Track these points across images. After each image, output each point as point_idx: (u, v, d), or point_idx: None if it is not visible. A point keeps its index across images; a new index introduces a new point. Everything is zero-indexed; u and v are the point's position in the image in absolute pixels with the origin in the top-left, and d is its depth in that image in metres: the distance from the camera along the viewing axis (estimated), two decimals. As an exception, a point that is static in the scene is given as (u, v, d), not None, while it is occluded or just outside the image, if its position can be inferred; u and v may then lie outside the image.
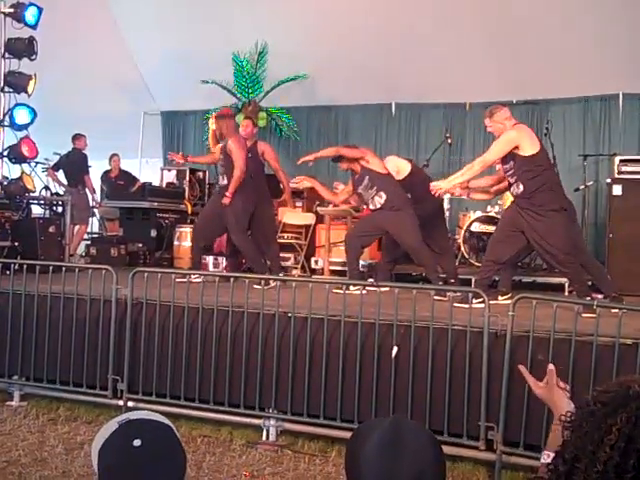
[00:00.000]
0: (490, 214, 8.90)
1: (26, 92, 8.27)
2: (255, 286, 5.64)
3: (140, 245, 9.92)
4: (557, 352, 4.47)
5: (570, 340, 4.44)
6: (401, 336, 4.89)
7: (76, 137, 10.85)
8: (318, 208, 9.52)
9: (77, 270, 6.13)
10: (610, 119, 10.43)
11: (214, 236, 8.04)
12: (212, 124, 7.85)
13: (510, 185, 6.12)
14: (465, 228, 8.99)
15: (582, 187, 9.05)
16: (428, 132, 11.48)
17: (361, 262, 7.56)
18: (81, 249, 10.69)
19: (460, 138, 11.21)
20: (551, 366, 1.84)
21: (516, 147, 5.83)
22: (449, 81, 10.57)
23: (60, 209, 9.29)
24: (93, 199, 11.18)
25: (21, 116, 8.24)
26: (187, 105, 12.96)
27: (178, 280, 5.84)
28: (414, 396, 4.78)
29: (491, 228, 8.35)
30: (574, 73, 9.90)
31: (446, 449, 1.60)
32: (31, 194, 8.64)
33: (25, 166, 8.63)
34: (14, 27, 8.19)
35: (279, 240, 8.72)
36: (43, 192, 9.92)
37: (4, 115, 8.26)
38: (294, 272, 9.10)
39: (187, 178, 11.22)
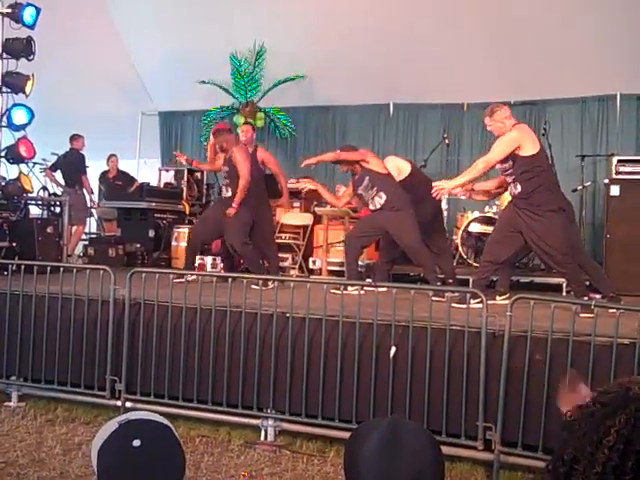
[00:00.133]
0: (488, 214, 8.91)
1: (24, 92, 8.25)
2: (253, 286, 5.64)
3: (138, 245, 9.92)
4: (555, 352, 4.48)
5: (568, 340, 4.45)
6: (399, 336, 4.89)
7: (74, 137, 10.84)
8: (316, 208, 9.52)
9: (75, 270, 6.13)
10: (608, 119, 10.44)
11: (212, 239, 8.08)
12: (211, 139, 7.87)
13: (508, 185, 6.12)
14: (463, 228, 9.00)
15: (580, 187, 9.06)
16: (426, 132, 11.49)
17: (359, 262, 7.56)
18: (79, 249, 10.69)
19: (458, 138, 11.22)
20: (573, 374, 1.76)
21: (517, 147, 5.83)
22: (447, 81, 10.58)
23: (58, 209, 9.28)
24: (90, 199, 11.18)
25: (19, 116, 8.23)
26: (185, 105, 12.96)
27: (175, 280, 5.84)
28: (412, 396, 4.79)
29: (489, 228, 8.36)
30: (572, 73, 9.91)
31: (444, 449, 1.60)
32: (29, 194, 8.64)
33: (23, 166, 8.63)
34: (12, 27, 8.17)
35: (277, 240, 8.73)
36: (41, 192, 9.92)
37: (2, 115, 8.24)
38: (292, 272, 9.10)
39: (185, 178, 11.22)
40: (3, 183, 8.42)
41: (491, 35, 10.00)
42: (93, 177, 11.57)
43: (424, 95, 11.16)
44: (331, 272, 9.08)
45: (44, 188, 10.27)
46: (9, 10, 8.13)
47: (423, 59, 10.47)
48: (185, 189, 11.11)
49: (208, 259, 9.06)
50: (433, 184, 6.36)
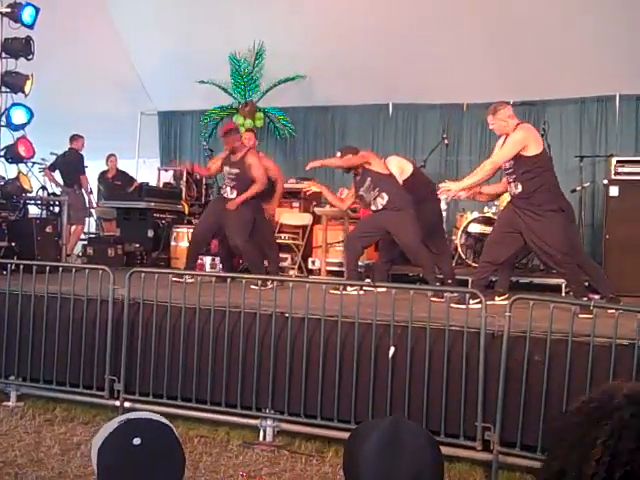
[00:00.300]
0: (487, 215, 8.91)
1: (23, 92, 8.26)
2: (252, 286, 5.64)
3: (137, 245, 9.91)
4: (554, 353, 4.48)
5: (567, 341, 4.45)
6: (398, 336, 4.89)
7: (74, 138, 10.85)
8: (315, 209, 9.52)
9: (74, 270, 6.13)
10: (607, 120, 10.44)
11: (212, 238, 8.09)
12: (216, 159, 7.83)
13: (508, 184, 6.11)
14: (462, 229, 9.00)
15: (579, 188, 9.06)
16: (425, 133, 11.48)
17: (359, 263, 7.56)
18: (78, 249, 10.68)
19: (457, 139, 11.23)
20: None
21: (523, 147, 5.83)
22: (447, 82, 10.58)
23: (57, 209, 9.28)
24: (89, 200, 11.17)
25: (18, 116, 8.23)
26: (184, 105, 12.95)
27: (174, 280, 5.84)
28: (411, 396, 4.78)
29: (488, 229, 8.36)
30: (571, 74, 9.91)
31: (443, 449, 1.60)
32: (28, 194, 8.64)
33: (22, 166, 8.63)
34: (11, 27, 8.17)
35: (276, 241, 8.72)
36: (40, 192, 9.91)
37: (1, 115, 8.24)
38: (291, 272, 9.10)
39: (184, 178, 11.21)
40: (2, 183, 8.42)
41: (491, 35, 10.00)
42: (92, 177, 11.57)
43: (424, 95, 11.15)
44: (330, 272, 9.08)
45: (43, 188, 10.26)
46: (8, 10, 8.13)
47: (423, 59, 10.46)
48: (184, 189, 11.09)
49: (207, 259, 9.07)
50: (439, 185, 6.34)
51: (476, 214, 9.01)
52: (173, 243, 9.89)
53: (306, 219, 9.59)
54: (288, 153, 12.23)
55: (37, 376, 5.89)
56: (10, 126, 8.24)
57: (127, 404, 5.50)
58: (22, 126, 8.29)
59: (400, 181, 7.24)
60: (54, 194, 10.36)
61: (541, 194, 5.86)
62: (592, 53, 9.59)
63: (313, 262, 9.43)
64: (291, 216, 9.63)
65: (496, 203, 8.82)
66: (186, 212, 10.78)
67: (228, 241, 7.57)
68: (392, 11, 10.24)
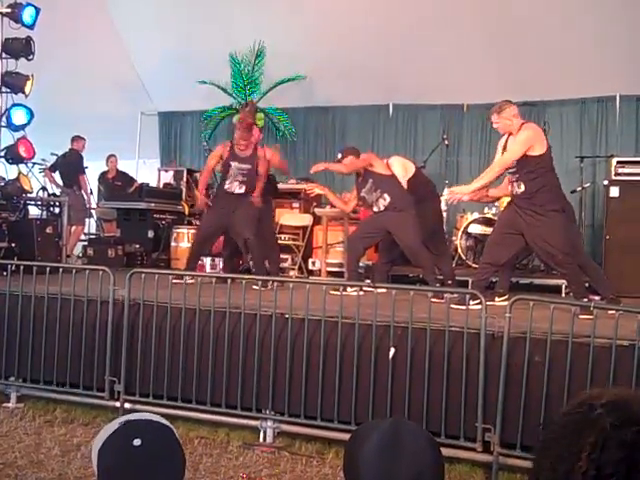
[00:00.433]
0: (487, 216, 8.91)
1: (23, 92, 8.25)
2: (254, 287, 5.66)
3: (137, 246, 9.92)
4: (554, 354, 4.47)
5: (567, 342, 4.44)
6: (398, 337, 4.89)
7: (75, 139, 10.86)
8: (315, 209, 9.53)
9: (74, 271, 6.13)
10: (607, 121, 10.45)
11: (218, 237, 8.09)
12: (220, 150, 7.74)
13: (510, 183, 6.08)
14: (462, 230, 9.00)
15: (579, 189, 9.06)
16: (425, 133, 11.50)
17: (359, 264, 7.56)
18: (78, 250, 10.68)
19: (457, 139, 11.24)
20: None
21: (530, 146, 5.82)
22: (447, 82, 10.58)
23: (57, 210, 9.28)
24: (88, 200, 11.16)
25: (18, 116, 8.23)
26: (185, 106, 12.96)
27: (174, 281, 5.84)
28: (411, 397, 4.78)
29: (488, 230, 8.35)
30: (572, 74, 9.92)
31: (443, 451, 1.60)
32: (28, 195, 8.64)
33: (22, 167, 8.62)
34: (11, 27, 8.18)
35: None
36: (40, 193, 9.91)
37: (1, 115, 8.24)
38: (291, 273, 9.10)
39: (184, 179, 11.22)
40: (2, 183, 8.42)
41: (491, 36, 10.01)
42: (92, 177, 11.58)
43: (424, 96, 11.16)
44: (330, 273, 9.08)
45: (43, 188, 10.27)
46: (9, 10, 8.13)
47: (423, 59, 10.47)
48: (184, 190, 11.11)
49: (207, 260, 9.07)
50: (450, 189, 6.30)
51: (476, 215, 9.01)
52: (173, 244, 9.89)
53: (306, 220, 9.59)
54: (288, 153, 12.23)
55: (37, 377, 5.88)
56: (10, 126, 8.24)
57: (127, 405, 5.50)
58: (22, 127, 8.29)
59: (405, 181, 7.22)
60: (54, 195, 10.36)
61: (543, 194, 5.85)
62: (592, 53, 9.59)
63: (313, 263, 9.43)
64: (291, 217, 9.64)
65: (496, 204, 8.82)
66: (186, 213, 10.78)
67: (234, 241, 7.56)
68: (392, 11, 10.25)
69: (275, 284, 5.49)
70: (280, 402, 5.16)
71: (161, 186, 11.28)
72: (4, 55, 8.22)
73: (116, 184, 11.37)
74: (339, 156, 7.39)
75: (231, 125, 8.68)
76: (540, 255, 6.32)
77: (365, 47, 10.51)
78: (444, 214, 8.89)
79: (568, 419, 1.19)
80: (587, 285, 6.35)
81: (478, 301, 4.83)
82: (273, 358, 5.16)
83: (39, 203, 9.42)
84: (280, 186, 8.45)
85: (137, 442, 1.50)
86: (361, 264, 7.81)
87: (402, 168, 7.30)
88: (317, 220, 9.49)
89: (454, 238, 9.17)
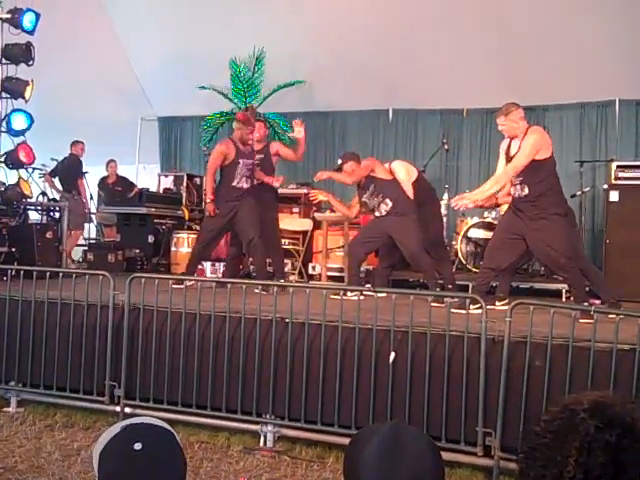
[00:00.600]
0: (487, 220, 8.91)
1: (23, 98, 8.26)
2: (255, 290, 5.67)
3: (137, 251, 9.91)
4: (554, 358, 4.47)
5: (567, 346, 4.44)
6: (398, 342, 4.89)
7: (74, 143, 10.88)
8: (315, 214, 9.53)
9: (74, 276, 6.12)
10: (607, 125, 10.46)
11: (218, 243, 8.08)
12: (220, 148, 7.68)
13: (513, 186, 6.05)
14: (462, 234, 9.00)
15: (579, 193, 9.07)
16: (425, 138, 11.50)
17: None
18: (78, 255, 10.68)
19: (457, 144, 11.24)
20: None
21: (537, 150, 5.81)
22: (447, 87, 10.59)
23: (57, 215, 9.28)
24: (86, 204, 11.14)
25: (18, 122, 8.23)
26: (184, 111, 12.97)
27: (174, 286, 5.84)
28: (412, 402, 4.78)
29: (488, 234, 8.36)
30: (571, 79, 9.92)
31: (444, 455, 1.59)
32: (28, 200, 8.64)
33: (22, 172, 8.62)
34: (11, 33, 8.19)
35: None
36: (40, 198, 9.92)
37: (1, 121, 8.25)
38: (291, 278, 9.09)
39: (184, 184, 11.22)
40: (2, 188, 8.42)
41: (491, 40, 10.02)
42: (92, 183, 11.58)
43: (423, 100, 11.17)
44: (330, 277, 9.08)
45: (43, 193, 10.26)
46: (8, 15, 8.14)
47: (422, 63, 10.48)
48: (185, 195, 11.11)
49: (207, 265, 9.07)
50: (461, 195, 6.25)
51: (476, 219, 9.01)
52: (173, 249, 9.88)
53: (306, 224, 9.59)
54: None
55: (37, 382, 5.88)
56: (10, 132, 8.24)
57: (127, 410, 5.50)
58: (22, 132, 8.30)
59: (411, 185, 7.20)
60: (54, 200, 10.37)
61: (547, 198, 5.84)
62: (592, 58, 9.60)
63: (313, 267, 9.43)
64: (291, 221, 9.63)
65: (497, 208, 8.82)
66: (186, 218, 10.78)
67: (239, 243, 7.56)
68: (390, 17, 10.25)
69: (275, 288, 5.49)
70: (280, 406, 5.16)
71: (161, 191, 11.28)
72: (4, 61, 8.23)
73: (116, 189, 11.37)
74: (339, 162, 7.38)
75: (231, 130, 8.65)
76: (542, 259, 6.30)
77: (363, 52, 10.52)
78: (444, 219, 8.90)
79: (552, 426, 1.20)
80: (588, 289, 6.35)
81: (478, 305, 4.83)
82: (273, 362, 5.16)
83: (39, 208, 9.42)
84: (280, 191, 8.42)
85: (138, 446, 1.50)
86: (361, 268, 7.81)
87: (406, 173, 7.29)
88: (317, 225, 9.50)
89: (454, 242, 9.17)
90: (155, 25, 11.64)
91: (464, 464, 4.65)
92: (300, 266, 9.32)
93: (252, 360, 5.23)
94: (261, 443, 5.17)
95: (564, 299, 7.43)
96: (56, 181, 10.94)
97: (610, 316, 4.80)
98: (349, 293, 6.10)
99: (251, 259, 8.10)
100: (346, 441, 1.59)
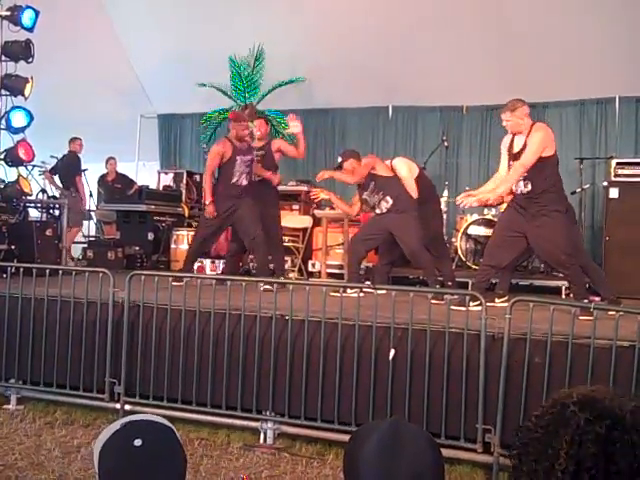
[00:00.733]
0: (487, 217, 8.90)
1: (23, 95, 8.26)
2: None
3: (137, 248, 9.92)
4: (554, 355, 4.48)
5: (567, 343, 4.45)
6: (398, 339, 4.89)
7: (72, 140, 10.89)
8: (315, 211, 9.53)
9: (74, 273, 6.13)
10: (607, 122, 10.45)
11: (216, 241, 8.07)
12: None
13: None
14: (462, 231, 9.00)
15: (579, 190, 9.06)
16: (425, 135, 11.50)
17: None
18: (77, 252, 10.69)
19: (457, 141, 11.24)
20: None
21: (544, 147, 5.81)
22: (446, 84, 10.59)
23: (57, 212, 9.28)
24: (82, 201, 11.13)
25: (18, 119, 8.23)
26: (184, 108, 12.96)
27: (174, 283, 5.84)
28: (411, 398, 4.78)
29: (488, 231, 8.36)
30: (571, 76, 9.92)
31: (443, 452, 1.60)
32: (28, 197, 8.64)
33: (22, 169, 8.62)
34: (10, 30, 8.18)
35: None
36: (40, 195, 9.92)
37: (1, 118, 8.25)
38: (291, 275, 9.09)
39: (184, 181, 11.22)
40: (2, 186, 8.42)
41: (491, 40, 10.01)
42: (92, 180, 11.58)
43: (423, 97, 11.16)
44: (330, 275, 9.08)
45: (43, 191, 10.27)
46: (8, 13, 8.13)
47: (422, 61, 10.48)
48: (184, 192, 11.11)
49: (207, 262, 9.07)
50: (468, 192, 6.24)
51: (476, 216, 9.01)
52: (173, 246, 9.89)
53: (306, 222, 9.59)
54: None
55: (37, 379, 5.88)
56: (10, 129, 8.24)
57: (127, 407, 5.50)
58: (22, 129, 8.30)
59: (414, 181, 7.20)
60: (54, 197, 10.37)
61: (549, 195, 5.84)
62: (592, 55, 9.60)
63: (313, 264, 9.44)
64: (291, 218, 9.63)
65: (497, 205, 8.81)
66: (186, 215, 10.79)
67: (240, 240, 7.56)
68: (390, 14, 10.25)
69: (276, 285, 5.49)
70: (280, 403, 5.16)
71: (161, 188, 11.28)
72: (4, 58, 8.22)
73: (116, 186, 11.37)
74: (339, 160, 7.38)
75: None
76: (543, 256, 6.30)
77: (363, 50, 10.51)
78: (444, 215, 8.90)
79: (543, 420, 1.22)
80: (587, 286, 6.35)
81: (478, 302, 4.83)
82: (273, 359, 5.16)
83: (39, 205, 9.43)
84: (280, 188, 8.41)
85: (138, 442, 1.50)
86: (361, 266, 7.81)
87: (408, 169, 7.28)
88: (317, 222, 9.50)
89: (454, 240, 9.17)
90: (155, 25, 11.63)
91: (464, 461, 4.66)
92: (300, 263, 9.32)
93: (252, 357, 5.23)
94: (261, 440, 5.18)
95: (564, 296, 7.43)
96: (56, 178, 10.94)
97: (610, 313, 4.80)
98: (349, 290, 6.10)
99: (253, 256, 8.10)
100: (346, 438, 1.60)
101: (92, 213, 11.82)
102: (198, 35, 11.33)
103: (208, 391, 5.32)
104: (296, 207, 10.02)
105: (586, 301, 5.59)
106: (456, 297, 5.70)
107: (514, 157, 5.95)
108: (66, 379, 5.76)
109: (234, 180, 7.37)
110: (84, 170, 11.15)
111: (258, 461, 4.80)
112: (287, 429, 5.20)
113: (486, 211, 8.96)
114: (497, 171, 6.28)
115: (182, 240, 9.69)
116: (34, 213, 9.46)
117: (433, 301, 4.98)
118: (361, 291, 5.71)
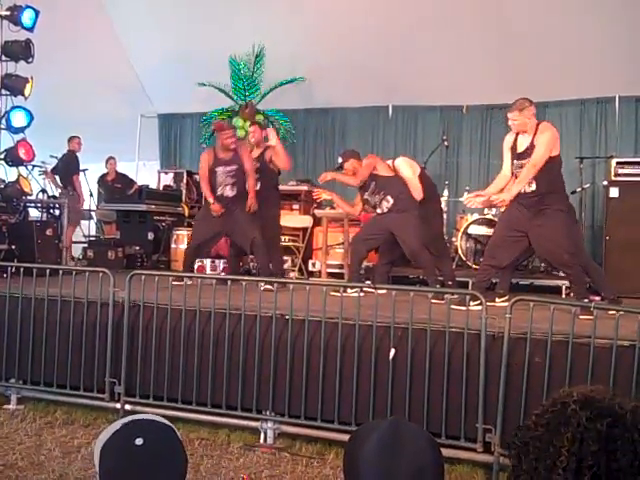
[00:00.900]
0: (487, 217, 8.90)
1: (23, 95, 8.26)
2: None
3: (137, 248, 9.92)
4: (554, 354, 4.48)
5: (567, 342, 4.44)
6: (398, 338, 4.89)
7: (71, 139, 10.89)
8: (315, 211, 9.53)
9: (74, 273, 6.13)
10: (607, 121, 10.45)
11: (214, 242, 8.06)
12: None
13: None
14: (462, 231, 9.00)
15: (579, 189, 9.06)
16: (425, 134, 11.50)
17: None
18: (78, 252, 10.69)
19: (457, 140, 11.23)
20: None
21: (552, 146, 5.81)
22: (446, 84, 10.58)
23: (57, 212, 9.28)
24: (79, 200, 11.11)
25: (18, 119, 8.23)
26: (184, 108, 12.96)
27: (174, 283, 5.84)
28: (412, 398, 4.78)
29: (489, 230, 8.36)
30: (571, 75, 9.91)
31: (444, 451, 1.60)
32: (28, 197, 8.64)
33: (22, 169, 8.62)
34: (11, 30, 8.19)
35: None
36: (40, 195, 9.92)
37: (1, 118, 8.25)
38: (291, 275, 9.09)
39: (184, 181, 11.23)
40: (2, 185, 8.43)
41: (490, 37, 10.01)
42: (92, 180, 11.57)
43: (423, 97, 11.16)
44: (330, 274, 9.08)
45: (43, 191, 10.27)
46: (8, 13, 8.13)
47: (422, 60, 10.47)
48: (184, 191, 11.12)
49: (207, 262, 9.07)
50: (477, 192, 6.22)
51: (476, 216, 9.01)
52: (173, 245, 9.90)
53: (306, 221, 9.60)
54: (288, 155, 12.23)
55: (37, 379, 5.88)
56: (10, 129, 8.24)
57: (128, 407, 5.50)
58: (22, 129, 8.30)
59: (417, 180, 7.19)
60: (54, 197, 10.37)
61: (552, 194, 5.84)
62: (592, 55, 9.59)
63: (313, 264, 9.44)
64: (291, 218, 9.63)
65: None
66: (186, 214, 10.80)
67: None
68: (390, 13, 10.24)
69: (276, 285, 5.49)
70: (280, 403, 5.16)
71: (161, 188, 11.29)
72: (4, 58, 8.22)
73: (116, 186, 11.37)
74: (339, 160, 7.37)
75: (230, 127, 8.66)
76: (544, 255, 6.29)
77: (363, 49, 10.51)
78: (444, 215, 8.90)
79: (543, 419, 1.22)
80: (588, 286, 6.35)
81: (478, 302, 4.83)
82: (273, 359, 5.16)
83: (39, 205, 9.43)
84: (280, 187, 8.41)
85: (139, 442, 1.51)
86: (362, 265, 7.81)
87: (410, 169, 7.28)
88: (317, 221, 9.50)
89: (454, 239, 9.18)
90: (155, 25, 11.62)
91: (464, 460, 4.66)
92: (300, 263, 9.32)
93: (252, 357, 5.23)
94: (261, 440, 5.18)
95: (564, 295, 7.43)
96: (57, 178, 10.94)
97: (610, 312, 4.80)
98: (349, 290, 6.10)
99: (254, 257, 8.10)
100: (346, 437, 1.60)
101: (92, 213, 11.81)
102: (198, 35, 11.32)
103: (208, 391, 5.33)
104: (296, 207, 10.03)
105: (586, 300, 5.59)
106: (456, 296, 5.70)
107: (518, 156, 5.95)
108: (66, 379, 5.76)
109: (218, 192, 7.37)
110: (84, 170, 11.15)
111: (258, 461, 4.80)
112: (287, 429, 5.20)
113: (486, 211, 8.96)
114: (501, 171, 6.26)
115: (182, 240, 9.69)
116: (34, 213, 9.46)
117: (433, 301, 4.98)
118: (361, 291, 5.71)
